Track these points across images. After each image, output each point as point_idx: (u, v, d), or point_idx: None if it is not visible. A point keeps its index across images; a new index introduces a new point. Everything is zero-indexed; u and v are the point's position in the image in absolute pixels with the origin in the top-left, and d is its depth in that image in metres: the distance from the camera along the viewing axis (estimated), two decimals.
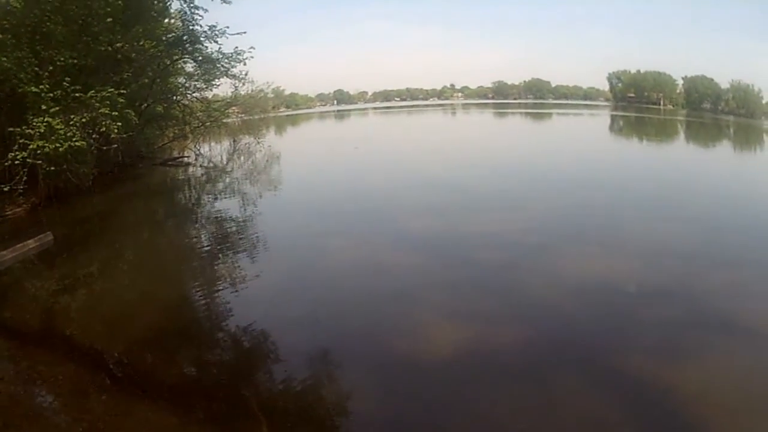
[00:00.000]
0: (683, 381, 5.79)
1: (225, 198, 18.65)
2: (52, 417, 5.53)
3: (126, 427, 5.13)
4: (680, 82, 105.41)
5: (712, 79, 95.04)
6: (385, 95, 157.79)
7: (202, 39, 21.37)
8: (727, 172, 23.61)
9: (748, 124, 64.37)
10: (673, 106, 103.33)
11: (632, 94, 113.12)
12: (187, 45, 21.17)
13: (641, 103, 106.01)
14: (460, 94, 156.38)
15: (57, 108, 13.93)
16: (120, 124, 15.39)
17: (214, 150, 32.90)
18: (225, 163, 29.32)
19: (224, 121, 31.77)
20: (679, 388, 5.63)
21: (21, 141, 13.29)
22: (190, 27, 20.86)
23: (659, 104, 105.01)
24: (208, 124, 28.50)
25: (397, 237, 12.17)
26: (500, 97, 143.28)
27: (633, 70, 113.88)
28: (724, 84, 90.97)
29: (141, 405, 5.50)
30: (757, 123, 68.33)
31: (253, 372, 6.39)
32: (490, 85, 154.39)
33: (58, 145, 13.62)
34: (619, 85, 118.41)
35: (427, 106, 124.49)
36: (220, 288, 8.98)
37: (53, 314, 8.22)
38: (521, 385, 5.87)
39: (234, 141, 36.16)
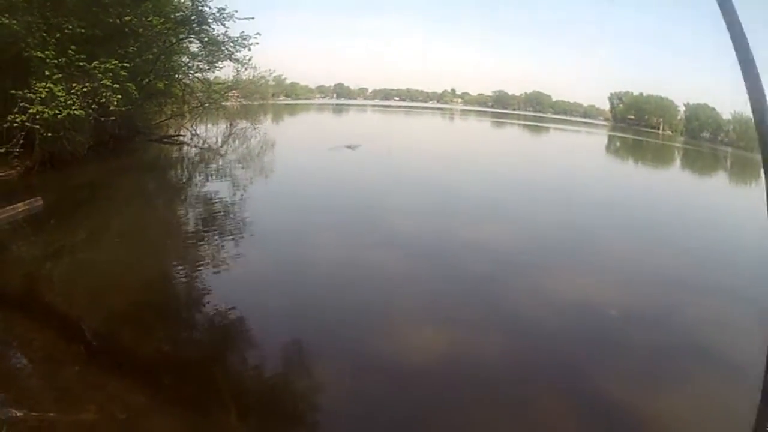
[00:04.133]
0: (659, 405, 5.93)
1: (216, 180, 18.69)
2: (23, 381, 5.57)
3: (95, 401, 5.12)
4: (682, 108, 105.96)
5: (714, 109, 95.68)
6: (385, 93, 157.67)
7: (210, 20, 21.30)
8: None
9: (745, 158, 64.60)
10: (672, 132, 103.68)
11: (632, 116, 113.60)
12: (195, 25, 21.10)
13: (640, 126, 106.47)
14: (459, 100, 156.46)
15: (60, 75, 13.95)
16: (120, 96, 15.44)
17: (210, 131, 32.76)
18: (220, 145, 29.18)
19: (223, 103, 31.64)
20: (654, 411, 5.76)
21: (22, 104, 13.31)
22: (199, 7, 20.83)
23: (658, 129, 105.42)
24: (207, 105, 28.41)
25: (385, 236, 12.24)
26: (500, 107, 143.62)
27: (636, 92, 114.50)
28: (726, 115, 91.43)
29: (113, 380, 5.49)
30: (756, 157, 68.14)
31: (227, 356, 6.44)
32: (490, 94, 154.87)
33: (57, 111, 13.64)
34: (620, 105, 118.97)
35: (425, 108, 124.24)
36: (203, 268, 9.06)
37: (34, 279, 8.25)
38: (497, 396, 5.95)
39: (231, 124, 36.03)
